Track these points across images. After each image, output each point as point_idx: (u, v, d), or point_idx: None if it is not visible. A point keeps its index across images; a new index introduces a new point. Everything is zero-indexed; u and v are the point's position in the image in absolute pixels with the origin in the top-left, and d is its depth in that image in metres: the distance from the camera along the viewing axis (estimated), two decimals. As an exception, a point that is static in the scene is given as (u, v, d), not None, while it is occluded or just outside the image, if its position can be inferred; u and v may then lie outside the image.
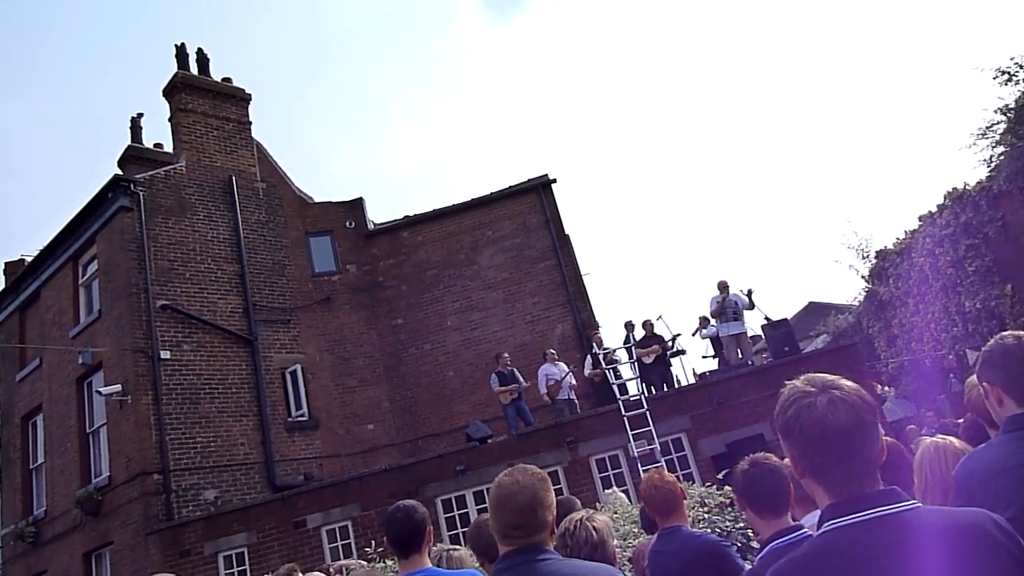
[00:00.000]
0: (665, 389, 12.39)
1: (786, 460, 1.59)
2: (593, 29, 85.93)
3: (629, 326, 13.48)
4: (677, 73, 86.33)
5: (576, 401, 12.59)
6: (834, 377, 1.45)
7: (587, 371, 12.97)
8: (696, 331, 13.48)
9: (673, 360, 13.22)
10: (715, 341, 13.18)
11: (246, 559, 11.05)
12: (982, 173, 14.29)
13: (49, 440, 14.58)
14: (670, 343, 12.94)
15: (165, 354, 12.75)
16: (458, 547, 3.16)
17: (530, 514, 2.00)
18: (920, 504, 1.36)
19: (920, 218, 15.73)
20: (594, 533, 2.63)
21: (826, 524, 1.36)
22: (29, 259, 15.95)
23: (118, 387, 12.36)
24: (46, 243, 15.06)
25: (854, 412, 1.37)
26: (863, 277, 19.06)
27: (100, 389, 12.69)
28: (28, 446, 15.51)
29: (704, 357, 13.40)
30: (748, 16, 77.74)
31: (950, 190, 14.51)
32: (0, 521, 15.90)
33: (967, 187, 14.11)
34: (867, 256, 18.81)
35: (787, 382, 1.49)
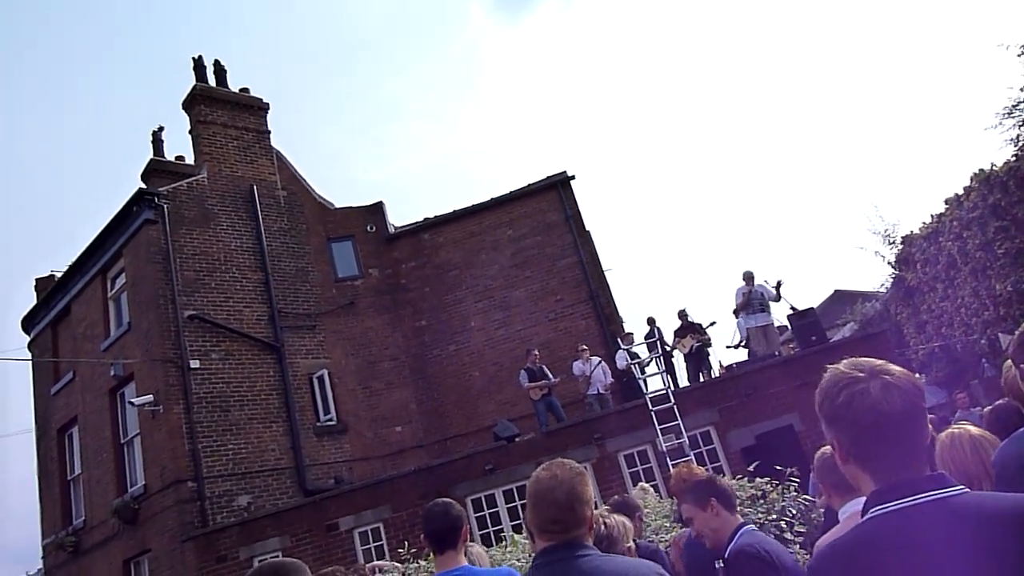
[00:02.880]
0: (701, 379, 12.36)
1: (825, 447, 1.56)
2: (605, 23, 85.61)
3: (652, 321, 13.44)
4: (696, 62, 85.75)
5: (608, 396, 12.54)
6: (881, 361, 1.42)
7: (620, 364, 12.95)
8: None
9: (705, 351, 13.16)
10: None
11: (280, 564, 11.15)
12: (1009, 153, 14.03)
13: (85, 451, 14.83)
14: (706, 329, 12.92)
15: (194, 363, 12.92)
16: (472, 544, 3.19)
17: (568, 509, 1.97)
18: (967, 489, 1.33)
19: (947, 201, 15.48)
20: (603, 527, 2.60)
21: (873, 510, 1.34)
22: (59, 275, 16.24)
23: (150, 397, 12.54)
24: (75, 258, 15.33)
25: (907, 397, 1.35)
26: (889, 263, 18.78)
27: (132, 400, 12.89)
28: (65, 458, 15.79)
29: (728, 347, 13.26)
30: (768, 1, 77.00)
31: (977, 171, 14.26)
32: (41, 531, 16.20)
33: (994, 168, 13.85)
34: (893, 242, 18.54)
35: (829, 367, 1.46)
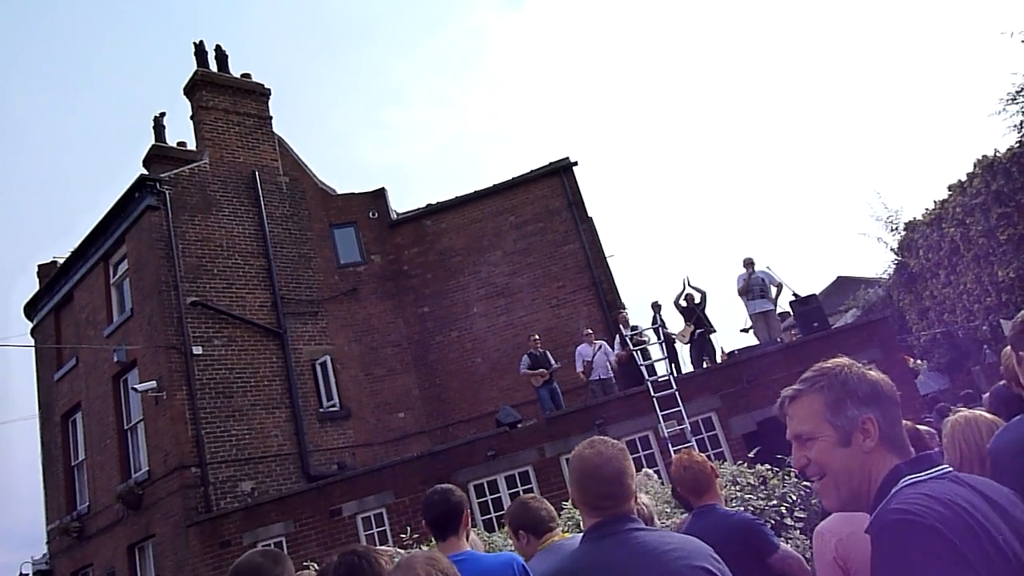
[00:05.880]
0: (704, 364, 12.32)
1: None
2: (608, 8, 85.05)
3: (656, 307, 13.38)
4: (700, 48, 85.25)
5: (614, 380, 12.48)
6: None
7: (616, 349, 12.92)
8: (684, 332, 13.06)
9: (707, 336, 13.05)
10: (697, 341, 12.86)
11: (284, 548, 11.22)
12: (1012, 139, 13.98)
13: (89, 437, 14.91)
14: (698, 301, 12.78)
15: (197, 350, 12.96)
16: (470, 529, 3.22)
17: (618, 485, 2.02)
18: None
19: (950, 187, 15.44)
20: (644, 508, 2.65)
21: (909, 477, 1.36)
22: (61, 261, 16.26)
23: (153, 383, 12.59)
24: (77, 244, 15.34)
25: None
26: (892, 250, 18.78)
27: (136, 386, 12.94)
28: (69, 443, 15.87)
29: (742, 331, 13.17)
30: (767, -12, 76.36)
31: (980, 158, 14.22)
32: (46, 517, 16.32)
33: (997, 154, 13.80)
34: (896, 228, 18.52)
35: (837, 356, 1.51)
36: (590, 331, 12.93)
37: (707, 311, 12.86)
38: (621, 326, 13.08)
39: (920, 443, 3.22)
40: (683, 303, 12.82)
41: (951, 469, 1.37)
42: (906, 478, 1.35)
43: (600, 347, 12.54)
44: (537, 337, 12.84)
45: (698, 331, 12.65)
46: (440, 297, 15.89)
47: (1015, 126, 14.03)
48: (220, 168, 14.83)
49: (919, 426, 4.10)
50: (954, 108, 52.01)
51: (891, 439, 1.41)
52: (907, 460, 1.38)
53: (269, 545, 11.16)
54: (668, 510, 5.74)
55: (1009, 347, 2.14)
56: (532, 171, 16.36)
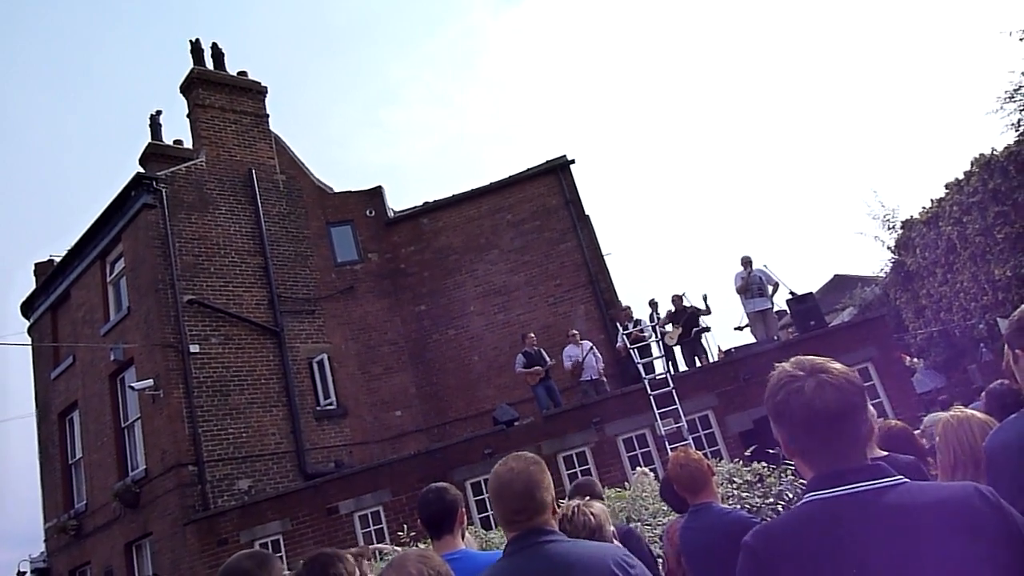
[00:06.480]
0: (697, 363, 12.32)
1: None
2: (606, 5, 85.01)
3: (653, 304, 13.37)
4: (698, 46, 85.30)
5: (604, 380, 12.49)
6: (823, 360, 1.48)
7: (619, 344, 12.87)
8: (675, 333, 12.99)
9: (700, 336, 13.04)
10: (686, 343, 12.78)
11: (282, 546, 11.25)
12: (1010, 138, 13.99)
13: (86, 435, 14.89)
14: (701, 310, 12.74)
15: (194, 348, 12.94)
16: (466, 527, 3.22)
17: (528, 498, 2.05)
18: (907, 480, 1.39)
19: (947, 186, 15.45)
20: (592, 518, 2.72)
21: (808, 495, 1.42)
22: (58, 259, 16.23)
23: (150, 382, 12.57)
24: (74, 243, 15.31)
25: (841, 394, 1.41)
26: (889, 248, 18.80)
27: (133, 384, 12.92)
28: (66, 442, 15.86)
29: (736, 328, 13.14)
30: (764, -14, 76.35)
31: (977, 156, 14.22)
32: (43, 515, 16.30)
33: (995, 152, 13.81)
34: (893, 227, 18.54)
35: (777, 365, 1.54)
36: (575, 332, 12.92)
37: (700, 315, 12.85)
38: (621, 322, 12.99)
39: (909, 444, 3.22)
40: (672, 308, 12.82)
41: (878, 483, 1.36)
42: (809, 495, 1.41)
43: (590, 348, 12.53)
44: (533, 335, 12.83)
45: (694, 330, 12.64)
46: (437, 295, 15.88)
47: (1013, 124, 14.06)
48: (217, 166, 14.80)
49: (931, 415, 4.09)
50: (951, 106, 52.11)
51: (805, 453, 1.46)
52: (823, 474, 1.41)
53: (266, 543, 11.18)
54: (665, 508, 5.75)
55: (1006, 345, 2.14)
56: (529, 169, 16.34)
